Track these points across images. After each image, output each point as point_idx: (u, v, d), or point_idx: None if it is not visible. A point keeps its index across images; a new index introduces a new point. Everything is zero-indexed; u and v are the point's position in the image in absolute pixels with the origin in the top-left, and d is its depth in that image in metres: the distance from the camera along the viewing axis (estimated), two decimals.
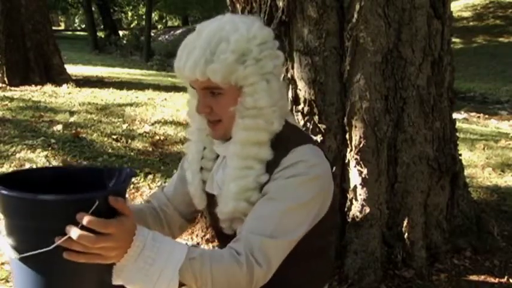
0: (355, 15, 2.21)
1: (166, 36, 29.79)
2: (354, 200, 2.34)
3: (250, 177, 1.17)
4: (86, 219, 0.88)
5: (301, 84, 2.34)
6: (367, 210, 2.30)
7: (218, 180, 1.29)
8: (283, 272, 1.17)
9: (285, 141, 1.21)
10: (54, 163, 3.56)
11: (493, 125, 7.93)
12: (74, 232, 0.88)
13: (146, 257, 0.98)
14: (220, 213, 1.25)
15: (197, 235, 2.69)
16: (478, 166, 4.15)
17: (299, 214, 1.15)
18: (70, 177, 1.14)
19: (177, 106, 5.89)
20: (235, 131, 1.20)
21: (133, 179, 3.46)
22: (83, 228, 0.88)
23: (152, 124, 4.89)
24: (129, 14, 36.16)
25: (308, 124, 2.33)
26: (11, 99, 5.67)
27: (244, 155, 1.18)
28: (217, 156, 1.33)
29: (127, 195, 1.24)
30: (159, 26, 37.36)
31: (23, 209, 0.92)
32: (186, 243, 1.07)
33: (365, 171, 2.28)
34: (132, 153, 3.99)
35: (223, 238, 1.32)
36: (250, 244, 1.10)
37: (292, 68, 2.35)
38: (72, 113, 5.07)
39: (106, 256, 0.93)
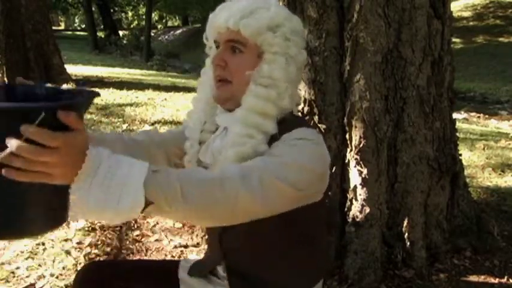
0: (355, 15, 2.21)
1: (166, 36, 29.82)
2: (354, 200, 2.34)
3: (248, 144, 1.15)
4: (29, 130, 0.76)
5: (301, 84, 2.34)
6: (367, 210, 2.30)
7: (214, 149, 1.27)
8: (270, 259, 1.15)
9: (290, 122, 1.20)
10: None
11: (493, 125, 7.95)
12: (14, 143, 0.76)
13: (105, 172, 0.87)
14: None
15: (197, 235, 2.69)
16: (478, 166, 4.15)
17: (295, 171, 1.08)
18: (30, 97, 0.99)
19: (177, 106, 5.90)
20: (246, 97, 1.19)
21: None
22: (26, 141, 0.76)
23: (152, 124, 4.89)
24: (129, 14, 36.19)
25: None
26: None
27: (248, 122, 1.17)
28: (216, 129, 1.32)
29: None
30: (159, 26, 37.40)
31: None
32: None
33: (365, 171, 2.28)
34: None
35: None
36: (234, 167, 1.04)
37: None
38: None
39: (51, 174, 0.81)
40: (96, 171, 0.86)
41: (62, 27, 43.57)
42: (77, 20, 44.88)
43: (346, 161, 2.35)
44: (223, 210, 0.98)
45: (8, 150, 0.76)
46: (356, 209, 2.33)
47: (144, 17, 27.18)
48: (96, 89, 6.92)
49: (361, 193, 2.31)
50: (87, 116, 5.01)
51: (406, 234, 2.37)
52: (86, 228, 2.64)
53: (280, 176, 1.05)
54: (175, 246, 2.58)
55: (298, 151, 1.11)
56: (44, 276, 2.22)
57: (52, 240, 2.51)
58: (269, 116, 1.18)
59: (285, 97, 1.19)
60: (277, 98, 1.18)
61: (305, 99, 2.34)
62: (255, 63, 1.19)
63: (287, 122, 1.20)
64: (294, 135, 1.15)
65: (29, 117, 0.76)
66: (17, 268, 2.28)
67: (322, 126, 2.32)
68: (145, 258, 2.47)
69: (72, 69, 8.74)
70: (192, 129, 1.34)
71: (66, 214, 0.88)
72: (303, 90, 2.34)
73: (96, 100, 6.21)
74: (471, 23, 19.39)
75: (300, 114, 2.34)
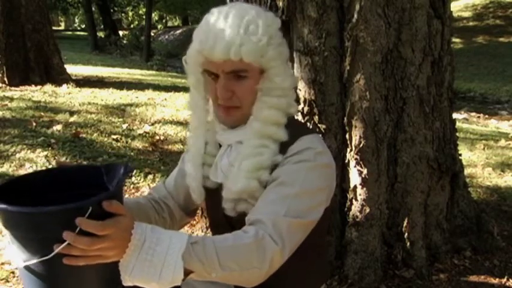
0: (355, 15, 2.21)
1: (166, 36, 29.79)
2: (354, 200, 2.34)
3: (265, 155, 1.19)
4: (83, 224, 0.89)
5: (301, 84, 2.34)
6: (367, 210, 2.30)
7: (223, 167, 1.29)
8: (279, 269, 1.16)
9: (293, 128, 1.23)
10: (54, 163, 3.56)
11: (493, 125, 7.94)
12: (70, 238, 0.89)
13: (147, 249, 0.97)
14: (228, 192, 1.24)
15: (197, 234, 2.69)
16: (478, 166, 4.15)
17: (310, 198, 1.16)
18: (69, 178, 1.14)
19: (177, 106, 5.89)
20: (257, 109, 1.22)
21: (133, 179, 3.46)
22: (80, 233, 0.89)
23: (152, 124, 4.89)
24: (129, 14, 36.19)
25: (308, 124, 2.33)
26: (11, 99, 5.67)
27: (263, 133, 1.21)
28: (219, 148, 1.33)
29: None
30: (159, 26, 37.41)
31: (16, 221, 0.92)
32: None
33: (365, 171, 2.28)
34: (132, 153, 3.99)
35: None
36: (261, 223, 1.09)
37: (292, 68, 2.35)
38: (72, 113, 5.07)
39: (105, 256, 0.94)
40: (142, 247, 0.97)
41: (62, 27, 43.58)
42: (77, 20, 44.88)
43: (346, 161, 2.35)
44: (259, 274, 1.07)
45: (65, 243, 0.89)
46: (356, 209, 2.33)
47: (144, 17, 27.16)
48: (96, 89, 6.91)
49: (361, 193, 2.31)
50: (87, 117, 5.01)
51: (406, 234, 2.37)
52: None
53: (301, 215, 1.13)
54: None
55: (307, 172, 1.16)
56: None
57: None
58: (281, 124, 1.22)
59: (293, 104, 1.26)
60: (287, 106, 1.23)
61: (305, 99, 2.34)
62: (258, 81, 1.21)
63: (289, 130, 1.23)
64: (299, 147, 1.19)
65: (80, 212, 0.90)
66: (17, 268, 2.28)
67: (322, 126, 2.32)
68: None
69: (72, 69, 8.73)
70: (193, 154, 1.35)
71: (120, 282, 1.01)
72: (303, 90, 2.34)
73: (96, 100, 6.20)
74: (471, 23, 19.38)
75: (299, 114, 2.34)
